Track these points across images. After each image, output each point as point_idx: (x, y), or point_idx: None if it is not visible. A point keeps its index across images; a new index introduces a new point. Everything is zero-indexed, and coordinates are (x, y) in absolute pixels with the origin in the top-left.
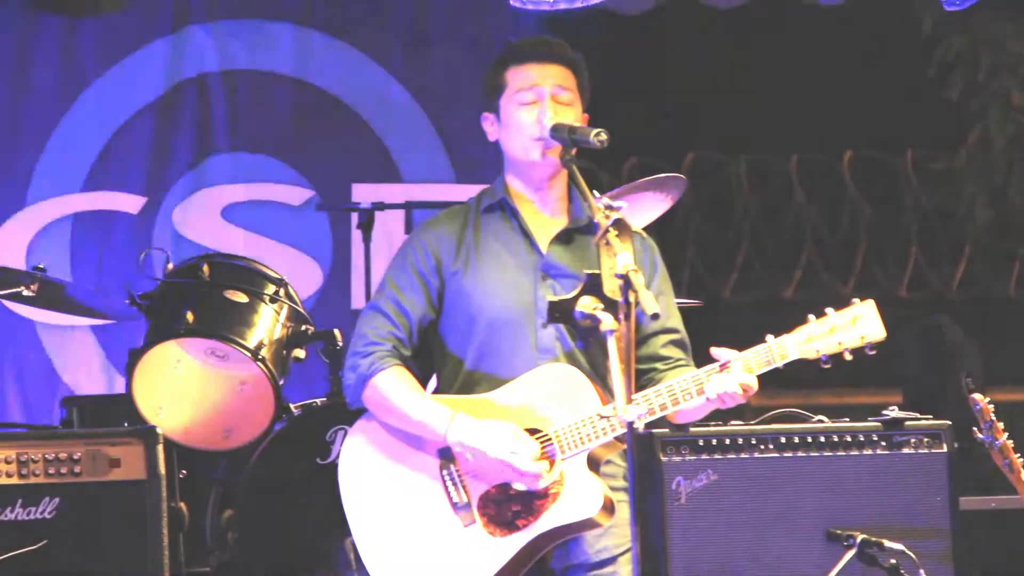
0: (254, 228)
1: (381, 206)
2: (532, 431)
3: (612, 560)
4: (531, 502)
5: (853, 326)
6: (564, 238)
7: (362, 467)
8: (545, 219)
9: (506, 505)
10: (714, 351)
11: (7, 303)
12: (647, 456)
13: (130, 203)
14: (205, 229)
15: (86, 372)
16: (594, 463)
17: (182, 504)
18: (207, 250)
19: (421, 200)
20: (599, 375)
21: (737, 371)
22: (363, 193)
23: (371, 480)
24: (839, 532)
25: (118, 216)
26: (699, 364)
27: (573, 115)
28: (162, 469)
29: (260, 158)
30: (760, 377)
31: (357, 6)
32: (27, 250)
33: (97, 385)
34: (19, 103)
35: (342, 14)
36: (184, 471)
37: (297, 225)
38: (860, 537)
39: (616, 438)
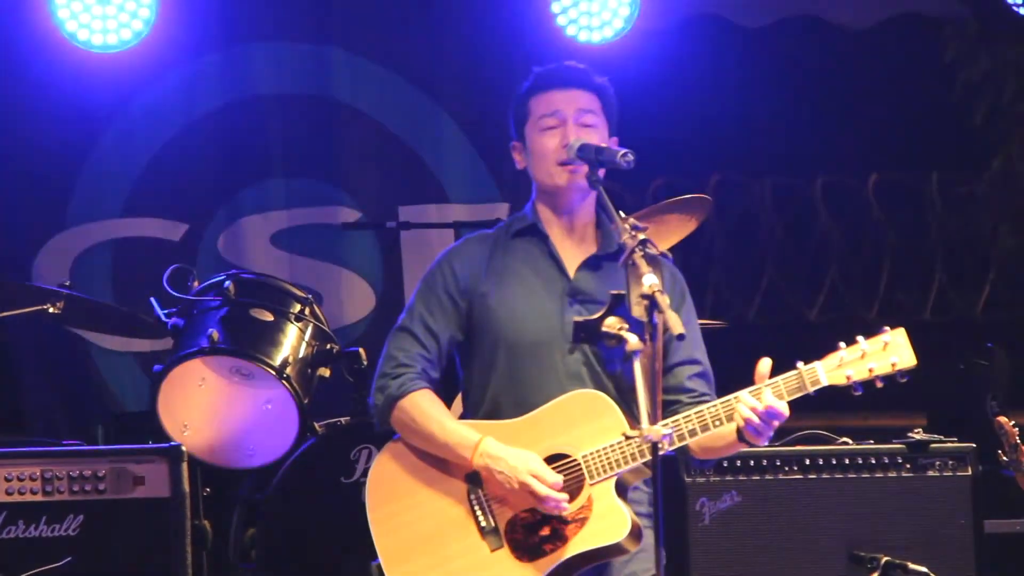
0: (304, 252)
1: (407, 225)
2: (560, 456)
3: None
4: (559, 527)
5: (884, 353)
6: (593, 264)
7: (389, 489)
8: (573, 245)
9: (533, 530)
10: (760, 367)
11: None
12: (671, 477)
13: (171, 230)
14: (253, 255)
15: (132, 392)
16: (622, 489)
17: (206, 522)
18: None
19: (462, 220)
20: (627, 402)
21: (768, 397)
22: (409, 215)
23: (398, 503)
24: (863, 554)
25: (159, 243)
26: (720, 383)
27: (597, 138)
28: (186, 487)
29: (308, 182)
30: None
31: (402, 33)
32: (69, 272)
33: (141, 405)
34: (57, 122)
35: (386, 41)
36: (208, 489)
37: (347, 248)
38: (884, 559)
39: (644, 464)
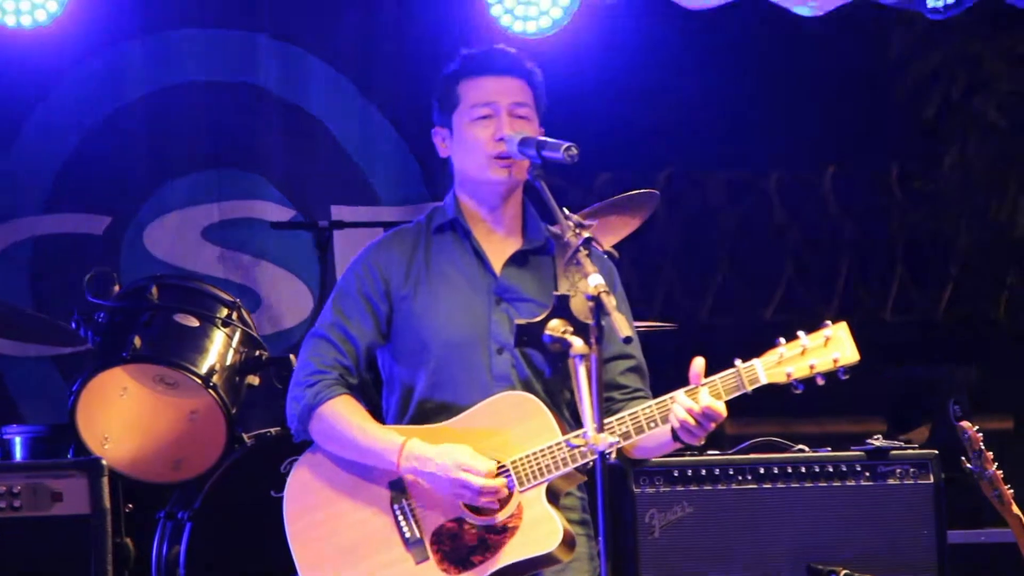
0: (239, 248)
1: (340, 224)
2: None
3: None
4: (487, 537)
5: (825, 349)
6: (519, 259)
7: (308, 500)
8: (499, 240)
9: (461, 540)
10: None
11: None
12: (618, 487)
13: (92, 224)
14: (182, 250)
15: (47, 403)
16: (553, 495)
17: (128, 540)
18: (181, 271)
19: (390, 220)
20: (556, 403)
21: (705, 398)
22: (341, 214)
23: (317, 514)
24: (821, 568)
25: (81, 238)
26: (670, 388)
27: (530, 130)
28: (107, 503)
29: (239, 175)
30: (736, 404)
31: (335, 26)
32: None
33: (58, 418)
34: None
35: (319, 32)
36: (130, 505)
37: (284, 246)
38: (843, 573)
39: (577, 469)
